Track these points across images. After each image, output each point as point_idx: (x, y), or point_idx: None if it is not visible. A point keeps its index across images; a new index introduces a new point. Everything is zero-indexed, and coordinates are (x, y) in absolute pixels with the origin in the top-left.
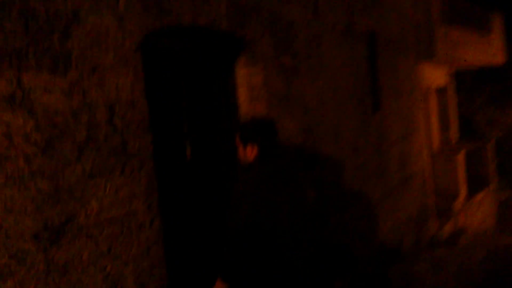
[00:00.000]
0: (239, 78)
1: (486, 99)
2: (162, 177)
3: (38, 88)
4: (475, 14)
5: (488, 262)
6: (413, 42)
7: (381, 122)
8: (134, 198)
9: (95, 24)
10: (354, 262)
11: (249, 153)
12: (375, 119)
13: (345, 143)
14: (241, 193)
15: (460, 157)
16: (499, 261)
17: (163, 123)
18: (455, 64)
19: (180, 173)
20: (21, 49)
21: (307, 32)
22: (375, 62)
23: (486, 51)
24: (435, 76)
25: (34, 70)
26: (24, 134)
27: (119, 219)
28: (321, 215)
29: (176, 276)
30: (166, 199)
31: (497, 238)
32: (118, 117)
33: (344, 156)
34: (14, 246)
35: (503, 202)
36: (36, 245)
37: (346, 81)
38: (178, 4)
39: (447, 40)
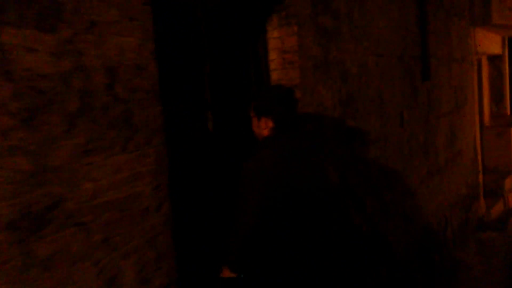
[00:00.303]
0: (270, 41)
1: None
2: (175, 154)
3: (19, 47)
4: None
5: None
6: (467, 5)
7: (430, 92)
8: (138, 178)
9: None
10: (391, 253)
11: (263, 125)
12: (424, 89)
13: (390, 115)
14: (251, 173)
15: None
16: None
17: (179, 92)
18: (511, 30)
19: (199, 150)
20: None
21: None
22: (426, 25)
23: None
24: (489, 42)
25: (14, 25)
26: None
27: (119, 204)
28: (354, 198)
29: (187, 269)
30: (179, 179)
31: None
32: (120, 83)
33: (387, 129)
34: None
35: None
36: (11, 236)
37: (393, 45)
38: None
39: (504, 3)
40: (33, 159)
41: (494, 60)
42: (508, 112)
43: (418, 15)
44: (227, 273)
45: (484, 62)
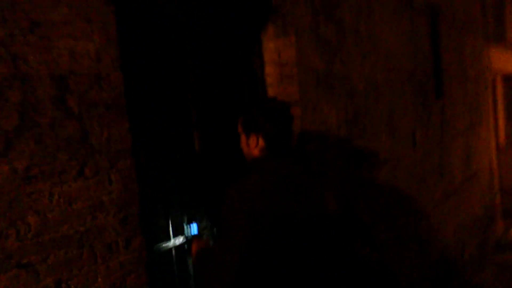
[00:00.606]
0: (266, 53)
1: None
2: (149, 179)
3: None
4: None
5: None
6: (481, 22)
7: (444, 111)
8: (99, 209)
9: None
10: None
11: (252, 144)
12: (437, 107)
13: (401, 135)
14: (234, 204)
15: None
16: None
17: (154, 107)
18: None
19: (184, 174)
20: None
21: None
22: (438, 41)
23: None
24: (504, 61)
25: None
26: None
27: (75, 240)
28: (360, 227)
29: None
30: (154, 208)
31: None
32: (73, 95)
33: (399, 150)
34: None
35: None
36: None
37: (403, 61)
38: None
39: None
40: None
41: (509, 79)
42: None
43: (430, 31)
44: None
45: (499, 81)
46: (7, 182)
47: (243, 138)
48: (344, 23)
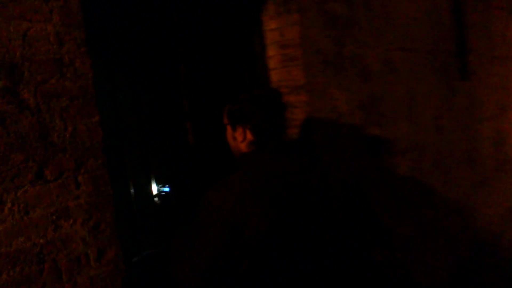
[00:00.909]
0: (268, 34)
1: None
2: (145, 175)
3: None
4: None
5: None
6: None
7: (471, 93)
8: (64, 216)
9: None
10: None
11: (239, 137)
12: (464, 89)
13: (424, 120)
14: (210, 212)
15: None
16: None
17: (148, 99)
18: None
19: (177, 169)
20: None
21: None
22: (463, 16)
23: None
24: None
25: None
26: None
27: (33, 254)
28: (375, 227)
29: None
30: (136, 212)
31: None
32: (28, 85)
33: (422, 137)
34: None
35: None
36: None
37: (423, 39)
38: None
39: None
40: None
41: None
42: None
43: (452, 6)
44: None
45: None
46: None
47: (229, 130)
48: None
